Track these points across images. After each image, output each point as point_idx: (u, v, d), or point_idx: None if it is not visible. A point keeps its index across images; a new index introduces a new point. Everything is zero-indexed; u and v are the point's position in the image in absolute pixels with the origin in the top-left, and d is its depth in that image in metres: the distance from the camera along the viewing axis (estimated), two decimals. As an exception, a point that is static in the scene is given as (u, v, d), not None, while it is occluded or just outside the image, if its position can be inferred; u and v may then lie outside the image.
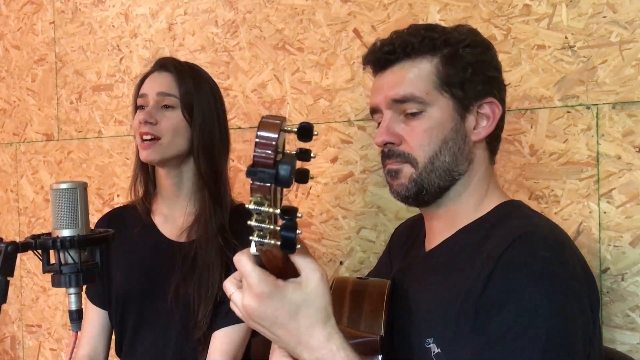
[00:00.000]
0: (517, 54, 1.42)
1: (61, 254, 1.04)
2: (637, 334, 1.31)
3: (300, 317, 0.78)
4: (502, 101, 1.06)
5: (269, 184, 0.67)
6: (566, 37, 1.37)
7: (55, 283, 1.05)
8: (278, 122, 0.68)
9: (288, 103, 1.75)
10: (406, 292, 1.07)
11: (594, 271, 1.32)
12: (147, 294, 1.38)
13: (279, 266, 0.79)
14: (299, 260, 0.78)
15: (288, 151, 0.72)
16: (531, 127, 1.41)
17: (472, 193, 1.05)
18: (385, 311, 1.02)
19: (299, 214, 0.69)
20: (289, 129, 0.70)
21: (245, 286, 0.78)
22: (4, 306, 0.99)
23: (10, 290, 1.01)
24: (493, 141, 1.07)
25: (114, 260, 1.40)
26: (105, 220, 1.49)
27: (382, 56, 1.04)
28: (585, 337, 0.89)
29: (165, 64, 1.38)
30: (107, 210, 1.64)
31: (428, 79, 1.01)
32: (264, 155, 0.66)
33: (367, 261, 1.63)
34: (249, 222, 0.69)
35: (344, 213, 1.67)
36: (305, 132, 0.70)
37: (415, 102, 1.01)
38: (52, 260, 1.06)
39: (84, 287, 1.10)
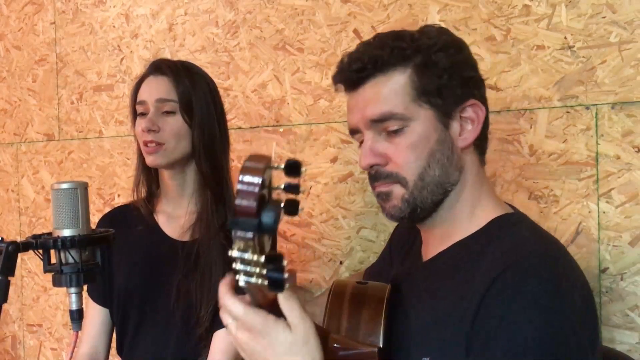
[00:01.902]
0: (516, 54, 1.42)
1: (62, 254, 1.04)
2: (636, 334, 1.31)
3: None
4: (484, 99, 1.02)
5: (250, 234, 0.65)
6: (565, 38, 1.38)
7: (56, 283, 1.05)
8: (261, 165, 0.65)
9: (288, 103, 1.75)
10: (403, 303, 1.05)
11: (593, 271, 1.33)
12: (149, 292, 1.38)
13: (268, 299, 0.78)
14: (286, 305, 0.78)
15: (276, 185, 0.69)
16: (530, 127, 1.41)
17: (466, 201, 1.01)
18: (384, 320, 0.99)
19: (284, 262, 0.67)
20: (276, 166, 0.68)
21: (239, 323, 0.79)
22: (4, 306, 1.00)
23: (11, 290, 1.01)
24: (481, 142, 1.03)
25: (116, 259, 1.41)
26: (108, 219, 1.49)
27: (353, 74, 0.99)
28: None
29: (160, 67, 1.38)
30: (107, 210, 1.65)
31: (404, 92, 0.96)
32: (245, 205, 0.64)
33: (367, 261, 1.63)
34: (233, 266, 0.68)
35: (344, 213, 1.67)
36: (293, 169, 0.68)
37: (396, 119, 0.96)
38: (53, 260, 1.06)
39: (86, 286, 1.10)
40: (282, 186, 0.69)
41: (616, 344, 1.32)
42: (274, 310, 0.78)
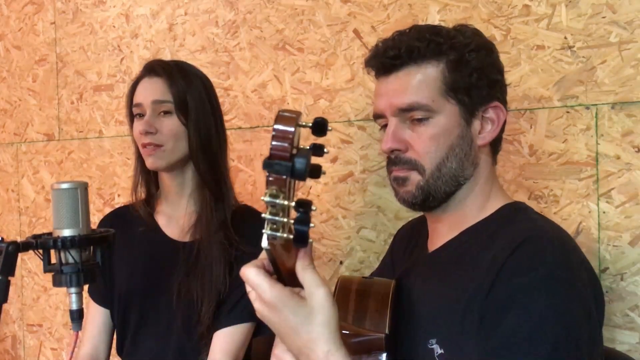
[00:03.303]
0: (516, 54, 1.42)
1: (62, 254, 1.04)
2: (636, 334, 1.31)
3: (302, 332, 0.79)
4: (505, 103, 1.06)
5: (284, 177, 0.67)
6: (565, 38, 1.38)
7: (56, 283, 1.05)
8: (294, 116, 0.68)
9: (288, 103, 1.75)
10: (409, 292, 1.08)
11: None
12: (150, 293, 1.39)
13: (288, 263, 0.79)
14: (302, 275, 0.79)
15: (303, 146, 0.72)
16: (530, 127, 1.41)
17: (477, 196, 1.05)
18: (390, 310, 1.02)
19: (313, 207, 0.70)
20: (304, 123, 0.71)
21: (256, 295, 0.80)
22: (5, 306, 0.99)
23: (11, 290, 1.01)
24: (496, 143, 1.07)
25: (117, 260, 1.41)
26: (109, 219, 1.49)
27: (387, 61, 1.02)
28: (590, 341, 0.88)
29: (154, 68, 1.38)
30: (107, 210, 1.65)
31: (434, 85, 1.00)
32: (280, 147, 0.67)
33: (367, 261, 1.63)
34: (262, 215, 0.69)
35: (344, 213, 1.67)
36: (320, 127, 0.71)
37: (422, 110, 1.00)
38: (53, 260, 1.06)
39: (86, 287, 1.10)
40: (308, 147, 0.71)
41: (616, 344, 1.32)
42: (292, 279, 0.80)
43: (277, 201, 0.68)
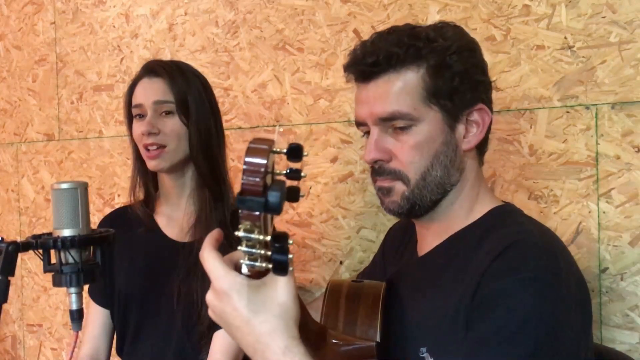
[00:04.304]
0: (516, 54, 1.42)
1: (62, 254, 1.04)
2: (636, 334, 1.31)
3: (255, 323, 0.74)
4: (490, 102, 1.04)
5: (257, 213, 0.66)
6: (565, 38, 1.38)
7: (56, 283, 1.05)
8: (266, 147, 0.66)
9: (288, 103, 1.75)
10: (400, 298, 1.06)
11: (593, 271, 1.33)
12: (150, 293, 1.38)
13: None
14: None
15: (278, 171, 0.70)
16: (530, 127, 1.41)
17: (464, 200, 1.03)
18: (381, 316, 1.00)
19: (290, 240, 0.68)
20: (278, 150, 0.69)
21: (212, 283, 0.76)
22: (4, 306, 0.99)
23: (11, 290, 1.01)
24: (482, 145, 1.05)
25: (117, 260, 1.41)
26: (109, 220, 1.49)
27: (366, 68, 0.99)
28: (572, 349, 0.87)
29: (154, 68, 1.37)
30: (107, 210, 1.65)
31: (415, 92, 0.97)
32: (252, 183, 0.65)
33: (367, 261, 1.63)
34: (239, 248, 0.69)
35: (344, 213, 1.67)
36: (295, 153, 0.69)
37: (404, 119, 0.97)
38: (53, 260, 1.06)
39: (86, 286, 1.10)
40: (285, 172, 0.70)
41: (616, 344, 1.32)
42: None
43: (252, 236, 0.67)
